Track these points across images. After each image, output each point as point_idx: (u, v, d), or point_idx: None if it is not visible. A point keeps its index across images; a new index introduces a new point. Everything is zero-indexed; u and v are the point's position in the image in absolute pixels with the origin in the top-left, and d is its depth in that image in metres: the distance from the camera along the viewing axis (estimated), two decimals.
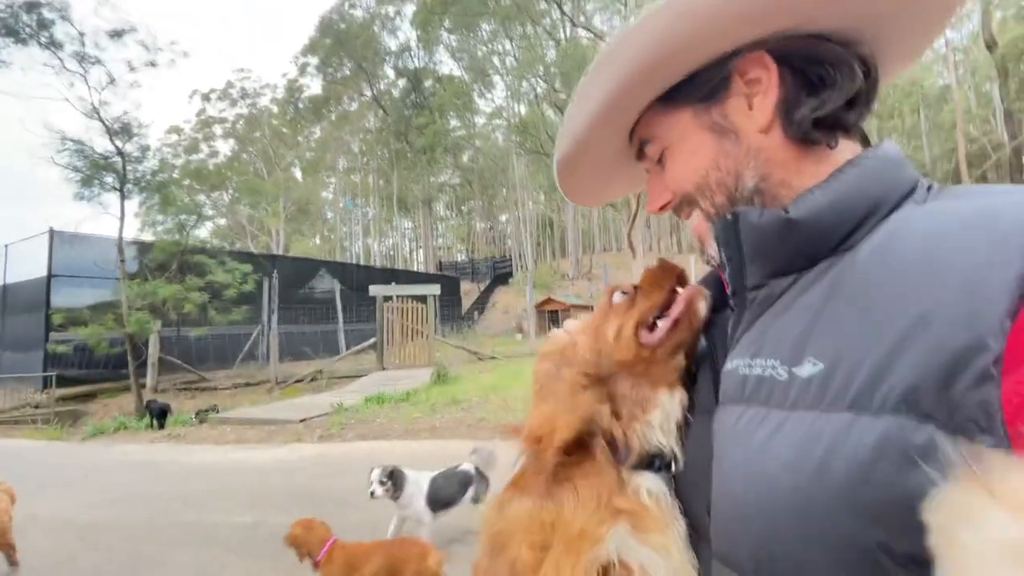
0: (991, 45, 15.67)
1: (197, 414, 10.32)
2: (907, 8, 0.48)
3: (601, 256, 34.78)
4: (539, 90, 25.18)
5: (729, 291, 0.53)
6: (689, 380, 0.59)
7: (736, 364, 0.49)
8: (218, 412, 10.66)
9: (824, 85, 0.48)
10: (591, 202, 0.74)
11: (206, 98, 39.22)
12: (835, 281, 0.44)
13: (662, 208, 0.60)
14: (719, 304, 0.59)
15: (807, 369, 0.42)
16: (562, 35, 24.84)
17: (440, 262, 45.14)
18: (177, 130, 38.27)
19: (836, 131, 0.49)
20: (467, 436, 6.84)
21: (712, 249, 0.55)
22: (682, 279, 0.60)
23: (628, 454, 0.55)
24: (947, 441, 0.32)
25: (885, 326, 0.38)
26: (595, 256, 35.30)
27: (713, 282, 0.61)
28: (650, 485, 0.54)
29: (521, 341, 21.40)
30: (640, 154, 0.61)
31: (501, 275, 36.42)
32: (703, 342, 0.60)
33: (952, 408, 0.33)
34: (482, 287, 34.27)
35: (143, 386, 12.80)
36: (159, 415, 9.74)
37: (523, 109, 32.27)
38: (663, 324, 0.56)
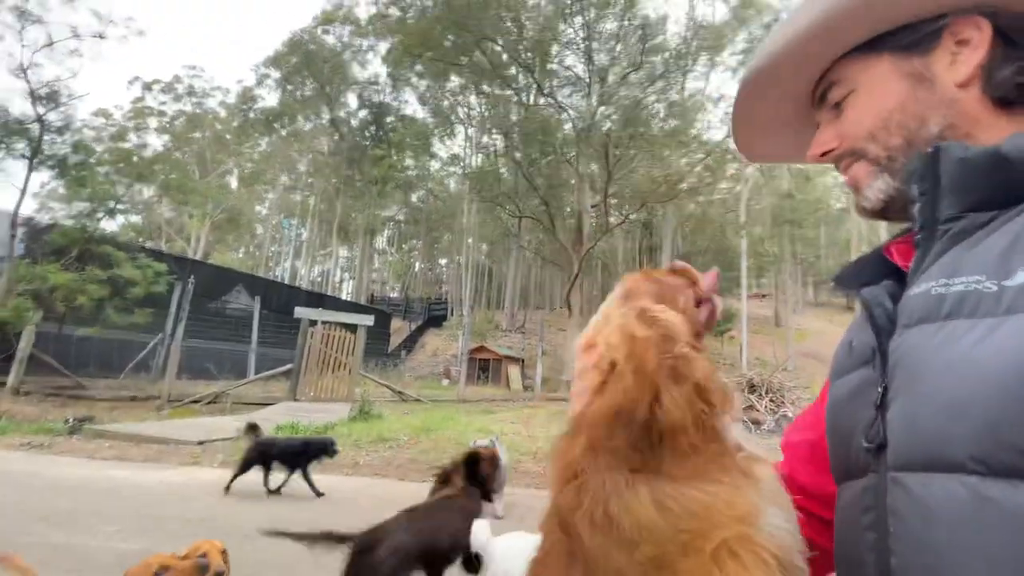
0: None
1: (67, 422, 8.81)
2: None
3: (535, 313, 35.28)
4: (499, 146, 26.09)
5: (916, 227, 0.52)
6: None
7: (928, 286, 0.48)
8: (92, 424, 9.17)
9: None
10: (757, 145, 0.72)
11: (148, 87, 36.77)
12: None
13: (823, 155, 0.60)
14: (875, 279, 0.59)
15: (1021, 277, 0.42)
16: (526, 99, 26.23)
17: (372, 295, 43.66)
18: (105, 114, 35.29)
19: None
20: (395, 476, 6.32)
21: (870, 193, 0.57)
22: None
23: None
24: None
25: None
26: (529, 312, 35.76)
27: (875, 258, 0.61)
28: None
29: (447, 387, 20.77)
30: (822, 99, 0.61)
31: (435, 317, 35.73)
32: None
33: None
34: (413, 326, 33.35)
35: (1, 384, 10.87)
36: None
37: (479, 160, 33.16)
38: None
